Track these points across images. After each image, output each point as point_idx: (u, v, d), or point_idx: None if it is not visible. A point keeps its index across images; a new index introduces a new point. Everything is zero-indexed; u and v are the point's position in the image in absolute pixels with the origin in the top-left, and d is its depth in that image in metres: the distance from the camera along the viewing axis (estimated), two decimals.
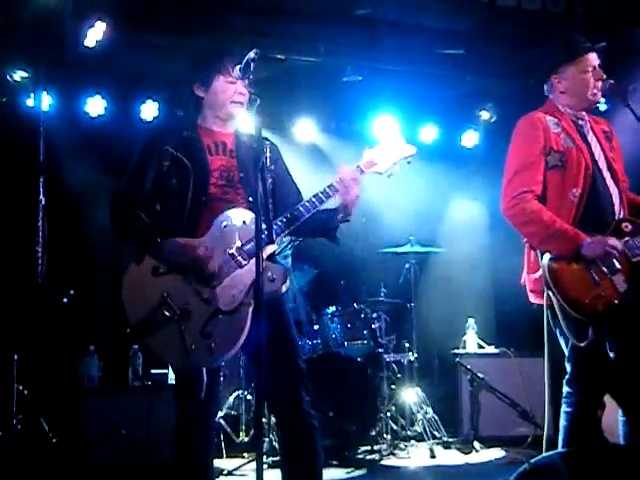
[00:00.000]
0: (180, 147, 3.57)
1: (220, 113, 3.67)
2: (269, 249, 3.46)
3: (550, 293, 3.58)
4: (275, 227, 3.48)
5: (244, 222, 3.49)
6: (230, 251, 3.46)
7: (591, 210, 3.72)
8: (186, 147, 3.58)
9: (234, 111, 3.63)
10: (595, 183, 3.75)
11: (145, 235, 3.46)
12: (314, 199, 3.55)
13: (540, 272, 3.64)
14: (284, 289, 3.52)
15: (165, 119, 7.27)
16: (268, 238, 3.38)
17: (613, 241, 3.61)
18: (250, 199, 3.44)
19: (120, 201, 3.58)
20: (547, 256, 3.63)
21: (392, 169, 3.70)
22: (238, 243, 3.46)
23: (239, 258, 3.45)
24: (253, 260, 3.36)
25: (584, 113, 3.95)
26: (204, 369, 3.42)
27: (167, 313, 3.36)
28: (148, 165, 3.57)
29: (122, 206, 3.56)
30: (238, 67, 3.35)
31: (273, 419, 6.09)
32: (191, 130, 3.66)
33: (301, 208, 3.53)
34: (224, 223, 3.49)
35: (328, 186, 3.57)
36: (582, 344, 3.53)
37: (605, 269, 3.60)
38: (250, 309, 3.37)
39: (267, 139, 3.80)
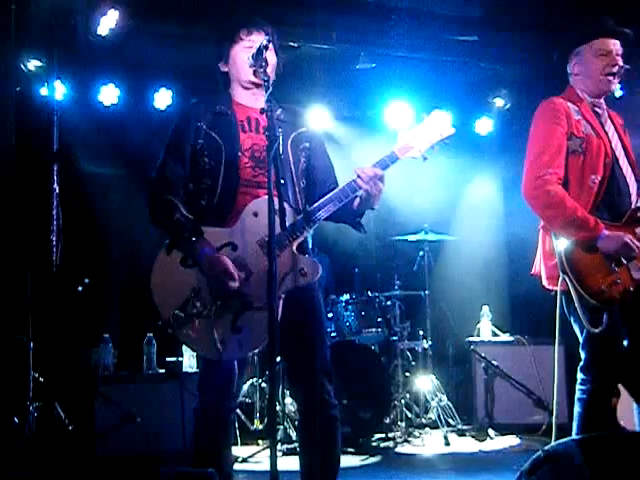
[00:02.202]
0: (213, 124, 3.51)
1: (246, 83, 3.57)
2: (298, 240, 3.41)
3: (566, 279, 3.56)
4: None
5: (275, 212, 3.37)
6: (260, 242, 3.39)
7: (609, 197, 3.70)
8: (219, 124, 3.51)
9: (259, 79, 3.39)
10: (614, 171, 3.73)
11: (180, 230, 3.39)
12: (334, 197, 3.44)
13: (556, 259, 3.62)
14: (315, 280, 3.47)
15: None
16: (298, 229, 3.36)
17: (629, 239, 3.57)
18: (282, 181, 3.23)
19: (157, 185, 3.50)
20: (563, 241, 3.61)
21: (429, 152, 3.54)
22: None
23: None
24: (284, 253, 3.33)
25: (602, 102, 3.91)
26: (235, 361, 3.42)
27: (198, 307, 3.33)
28: (184, 142, 3.51)
29: (159, 191, 3.48)
30: (251, 54, 3.33)
31: (287, 407, 6.12)
32: (225, 105, 3.59)
33: (326, 203, 3.44)
34: (254, 212, 3.41)
35: (347, 184, 3.45)
36: (597, 330, 3.52)
37: (621, 256, 3.58)
38: (281, 302, 3.32)
39: (301, 111, 3.75)
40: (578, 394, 3.67)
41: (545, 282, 3.77)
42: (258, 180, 3.48)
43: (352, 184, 3.45)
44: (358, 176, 3.43)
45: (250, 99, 3.62)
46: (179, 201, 3.45)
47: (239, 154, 3.48)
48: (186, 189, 3.52)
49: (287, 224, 3.24)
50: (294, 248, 3.39)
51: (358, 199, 3.51)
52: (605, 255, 3.56)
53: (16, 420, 5.33)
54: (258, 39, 3.47)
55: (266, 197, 3.33)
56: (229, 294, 3.33)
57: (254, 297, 3.35)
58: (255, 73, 3.41)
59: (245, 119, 3.57)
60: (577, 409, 3.66)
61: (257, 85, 3.55)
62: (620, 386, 3.69)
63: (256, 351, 3.44)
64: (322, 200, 3.46)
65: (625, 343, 3.63)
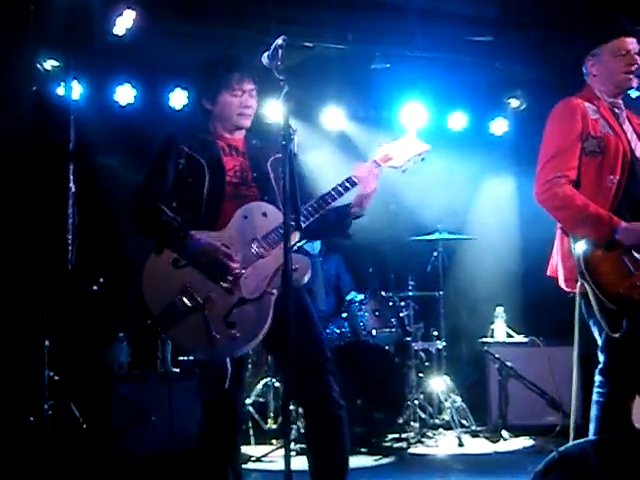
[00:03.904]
0: (195, 147, 3.63)
1: (228, 125, 3.73)
2: (294, 238, 3.44)
3: (585, 284, 3.54)
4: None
5: (264, 214, 3.51)
6: (251, 242, 3.47)
7: (628, 198, 3.66)
8: (201, 147, 3.64)
9: (241, 123, 3.70)
10: (633, 171, 3.70)
11: (166, 229, 3.46)
12: (333, 192, 3.56)
13: (575, 263, 3.60)
14: (305, 280, 3.50)
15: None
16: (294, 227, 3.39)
17: None
18: (265, 198, 3.52)
19: (140, 194, 3.60)
20: (581, 245, 3.57)
21: (406, 165, 3.74)
22: (259, 234, 3.48)
23: (261, 249, 3.46)
24: (274, 250, 3.43)
25: (620, 102, 3.89)
26: (228, 359, 3.43)
27: (190, 303, 3.36)
28: (167, 162, 3.61)
29: (143, 199, 3.58)
30: (266, 54, 3.35)
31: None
32: (205, 133, 3.73)
33: (327, 196, 3.56)
34: (244, 215, 3.51)
35: (347, 179, 3.59)
36: (616, 335, 3.49)
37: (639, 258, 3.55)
38: (273, 298, 3.38)
39: (274, 137, 3.80)
40: (595, 397, 3.65)
41: (563, 284, 3.74)
42: (242, 193, 3.61)
43: (350, 179, 3.60)
44: (355, 174, 3.60)
45: (227, 132, 3.77)
46: (164, 205, 3.53)
47: (224, 173, 3.60)
48: (169, 206, 3.58)
49: (277, 224, 3.41)
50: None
51: (354, 207, 3.67)
52: (622, 257, 3.53)
53: (31, 419, 5.36)
54: (247, 87, 3.67)
55: (255, 202, 3.56)
56: (230, 277, 3.38)
57: (247, 291, 3.39)
58: (241, 118, 3.66)
59: (226, 145, 3.72)
60: (594, 412, 3.64)
61: (240, 129, 3.74)
62: None
63: (247, 349, 3.46)
64: (316, 199, 3.56)
65: None
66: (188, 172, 3.58)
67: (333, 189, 3.58)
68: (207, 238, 3.44)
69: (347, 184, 3.59)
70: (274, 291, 3.38)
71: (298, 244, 3.57)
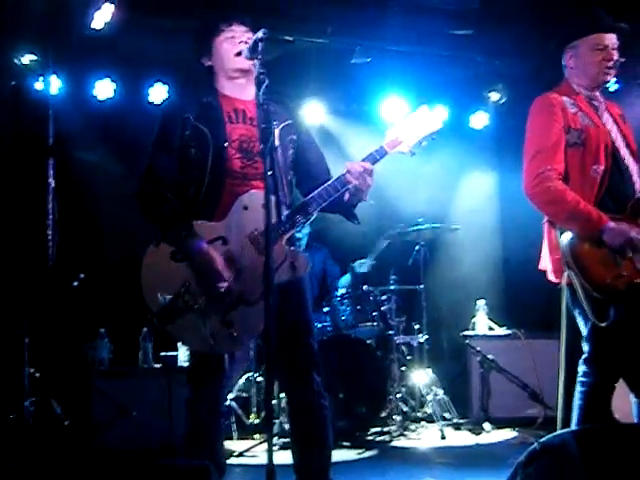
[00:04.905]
0: (200, 115, 3.51)
1: (231, 72, 3.59)
2: (288, 234, 3.43)
3: (571, 273, 3.56)
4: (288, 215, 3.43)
5: (264, 205, 3.41)
6: (251, 236, 3.41)
7: (612, 187, 3.70)
8: (206, 115, 3.52)
9: (240, 64, 3.52)
10: (615, 161, 3.73)
11: (170, 224, 3.42)
12: (324, 192, 3.46)
13: (561, 253, 3.62)
14: (303, 275, 3.49)
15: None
16: (287, 223, 3.37)
17: (634, 234, 3.57)
18: (269, 173, 3.19)
19: (146, 180, 3.52)
20: (567, 235, 3.61)
21: (417, 147, 3.58)
22: (260, 227, 3.34)
23: (260, 244, 3.39)
24: (274, 246, 3.27)
25: (598, 94, 3.91)
26: (226, 355, 3.43)
27: (189, 302, 3.35)
28: (172, 135, 3.52)
29: (148, 185, 3.51)
30: (247, 47, 3.33)
31: (283, 401, 6.11)
32: (211, 96, 3.60)
33: (315, 198, 3.46)
34: (245, 206, 3.42)
35: (337, 179, 3.48)
36: (603, 324, 3.52)
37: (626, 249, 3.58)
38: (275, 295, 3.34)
39: (288, 102, 3.74)
40: (579, 387, 3.68)
41: (551, 275, 3.78)
42: (246, 172, 3.50)
43: (341, 178, 3.47)
44: (348, 171, 3.46)
45: (236, 90, 3.63)
46: (169, 195, 3.47)
47: (226, 145, 3.48)
48: (175, 180, 3.53)
49: (280, 218, 3.27)
50: (284, 242, 3.41)
51: (348, 193, 3.52)
52: (610, 248, 3.57)
53: (12, 416, 5.33)
54: (239, 29, 3.55)
55: (256, 191, 3.41)
56: (215, 292, 3.35)
57: (245, 291, 3.37)
58: (244, 58, 3.40)
59: (232, 110, 3.58)
60: (577, 401, 3.67)
61: (244, 72, 3.56)
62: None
63: (250, 344, 3.46)
64: (312, 194, 3.48)
65: (629, 337, 3.62)
66: (192, 143, 3.49)
67: (324, 190, 3.47)
68: (206, 248, 3.36)
69: (337, 185, 3.46)
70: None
71: (305, 223, 3.49)
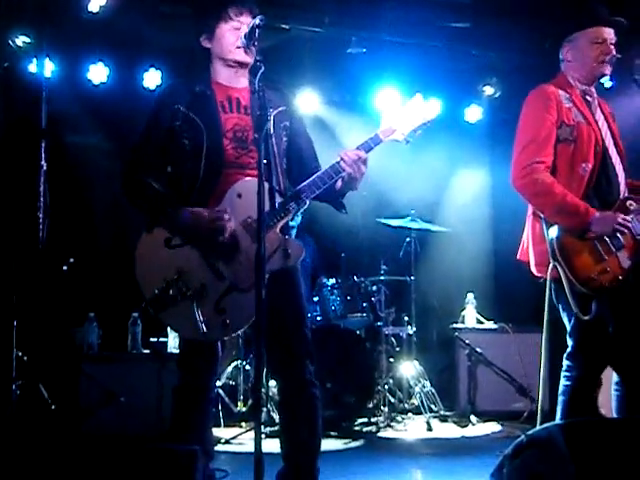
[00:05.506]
0: (192, 105, 3.47)
1: (228, 60, 3.54)
2: (282, 222, 3.42)
3: (557, 265, 3.58)
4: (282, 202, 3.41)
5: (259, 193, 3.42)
6: (244, 224, 3.40)
7: (599, 186, 3.72)
8: (198, 105, 3.47)
9: (240, 56, 3.48)
10: (604, 159, 3.74)
11: (155, 204, 3.41)
12: (318, 180, 3.44)
13: (546, 245, 3.63)
14: (297, 263, 3.48)
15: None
16: (281, 211, 3.37)
17: (623, 218, 3.60)
18: (264, 162, 3.17)
19: (130, 167, 3.51)
20: (554, 228, 3.62)
21: (412, 136, 3.57)
22: (253, 215, 3.32)
23: (253, 231, 3.37)
24: (268, 233, 3.25)
25: (593, 90, 3.92)
26: (219, 342, 3.43)
27: (182, 289, 3.34)
28: (159, 124, 3.49)
29: (132, 172, 3.49)
30: (243, 34, 3.32)
31: (271, 390, 6.13)
32: (204, 85, 3.55)
33: (310, 185, 3.44)
34: (238, 193, 3.41)
35: (331, 166, 3.46)
36: (586, 317, 3.54)
37: (611, 245, 3.60)
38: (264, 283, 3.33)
39: (282, 89, 3.70)
40: (563, 381, 3.70)
41: (534, 269, 3.78)
42: (241, 161, 3.47)
43: (335, 166, 3.45)
44: (342, 159, 3.44)
45: (231, 78, 3.59)
46: (152, 180, 3.44)
47: (222, 136, 3.46)
48: (164, 172, 3.51)
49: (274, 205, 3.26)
50: (278, 229, 3.40)
51: (340, 181, 3.51)
52: (594, 242, 3.58)
53: None
54: (246, 20, 3.46)
55: (250, 179, 3.39)
56: (227, 235, 3.32)
57: (238, 278, 3.36)
58: (245, 52, 3.41)
59: (225, 99, 3.55)
60: (562, 396, 3.69)
61: (241, 64, 3.54)
62: (601, 376, 3.73)
63: (240, 332, 3.46)
64: (306, 182, 3.46)
65: (611, 330, 3.64)
66: (185, 134, 3.45)
67: (317, 177, 3.45)
68: (194, 209, 3.36)
69: (331, 172, 3.44)
70: (265, 276, 3.34)
71: (299, 211, 3.48)
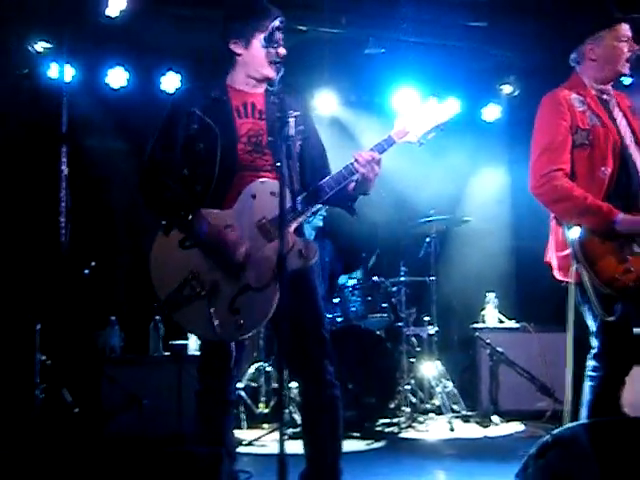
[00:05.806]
0: (208, 110, 3.47)
1: (256, 74, 3.53)
2: (296, 222, 3.43)
3: (580, 267, 3.55)
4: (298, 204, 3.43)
5: (273, 194, 3.37)
6: (259, 224, 3.40)
7: (620, 187, 3.68)
8: (214, 110, 3.48)
9: (272, 74, 3.44)
10: (624, 160, 3.70)
11: (172, 208, 3.41)
12: (332, 181, 3.45)
13: (569, 250, 3.61)
14: (312, 264, 3.47)
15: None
16: (295, 211, 3.37)
17: None
18: (278, 164, 3.19)
19: (148, 169, 3.52)
20: (576, 230, 3.59)
21: (425, 138, 3.56)
22: (268, 215, 3.38)
23: (268, 232, 3.39)
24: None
25: (609, 87, 3.88)
26: (232, 343, 3.43)
27: (196, 289, 3.34)
28: (176, 128, 3.49)
29: (150, 174, 3.50)
30: (263, 36, 3.32)
31: (292, 391, 6.13)
32: (220, 90, 3.55)
33: (324, 186, 3.45)
34: (253, 194, 3.42)
35: (345, 167, 3.46)
36: (611, 318, 3.52)
37: (634, 245, 3.58)
38: (278, 284, 3.30)
39: (296, 92, 3.69)
40: (588, 381, 3.67)
41: (556, 273, 3.77)
42: (255, 164, 3.48)
43: (349, 167, 3.46)
44: (355, 160, 3.44)
45: (247, 85, 3.59)
46: (171, 182, 3.46)
47: (236, 140, 3.47)
48: (180, 175, 3.51)
49: (287, 206, 3.23)
50: (292, 230, 3.41)
51: (354, 183, 3.51)
52: (617, 242, 3.56)
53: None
54: (281, 37, 3.47)
55: (265, 180, 3.42)
56: (234, 267, 3.34)
57: (252, 278, 3.36)
58: (276, 70, 3.38)
59: (241, 104, 3.55)
60: (587, 396, 3.66)
61: (267, 79, 3.53)
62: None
63: (255, 332, 3.45)
64: (320, 183, 3.46)
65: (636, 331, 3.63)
66: (200, 139, 3.46)
67: (331, 177, 3.46)
68: (212, 221, 3.37)
69: (344, 173, 3.45)
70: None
71: (313, 211, 3.50)
